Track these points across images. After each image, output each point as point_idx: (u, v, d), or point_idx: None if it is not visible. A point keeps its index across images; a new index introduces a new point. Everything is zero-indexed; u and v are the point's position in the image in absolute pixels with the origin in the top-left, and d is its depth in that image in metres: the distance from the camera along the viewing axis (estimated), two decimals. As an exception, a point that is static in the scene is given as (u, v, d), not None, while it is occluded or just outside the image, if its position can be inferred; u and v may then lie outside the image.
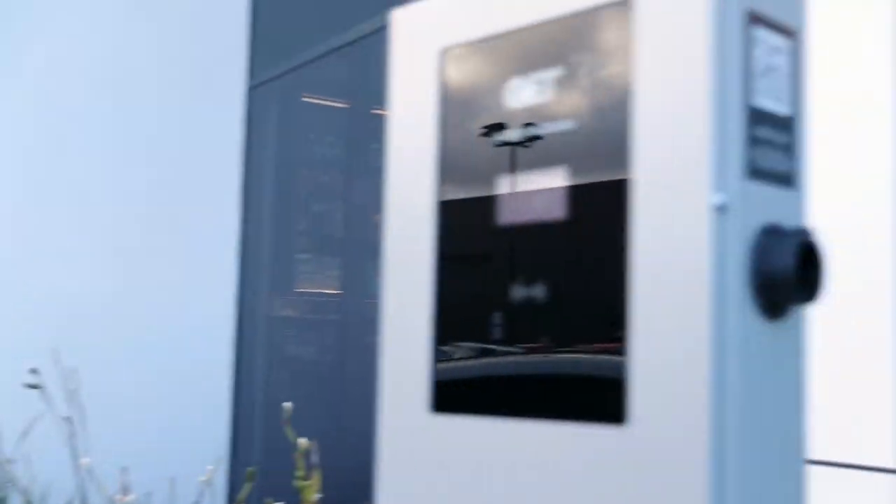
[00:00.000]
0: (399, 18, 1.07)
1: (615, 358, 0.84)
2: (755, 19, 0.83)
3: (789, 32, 0.87)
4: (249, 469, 2.31)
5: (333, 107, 4.49)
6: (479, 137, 0.97)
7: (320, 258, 4.48)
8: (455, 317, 1.00)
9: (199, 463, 4.46)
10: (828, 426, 1.83)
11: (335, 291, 4.19)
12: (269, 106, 4.73)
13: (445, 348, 0.99)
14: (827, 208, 1.86)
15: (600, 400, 0.85)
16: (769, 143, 0.85)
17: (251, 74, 4.84)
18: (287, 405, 2.55)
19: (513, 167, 0.94)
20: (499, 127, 0.95)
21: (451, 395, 0.99)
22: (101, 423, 4.15)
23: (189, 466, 4.40)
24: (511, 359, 0.95)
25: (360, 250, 3.89)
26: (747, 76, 0.82)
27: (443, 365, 0.99)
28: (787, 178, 0.87)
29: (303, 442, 2.36)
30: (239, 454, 4.66)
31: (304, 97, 4.64)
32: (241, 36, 4.89)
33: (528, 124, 0.93)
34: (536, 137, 0.92)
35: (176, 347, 4.58)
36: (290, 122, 4.67)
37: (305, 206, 4.62)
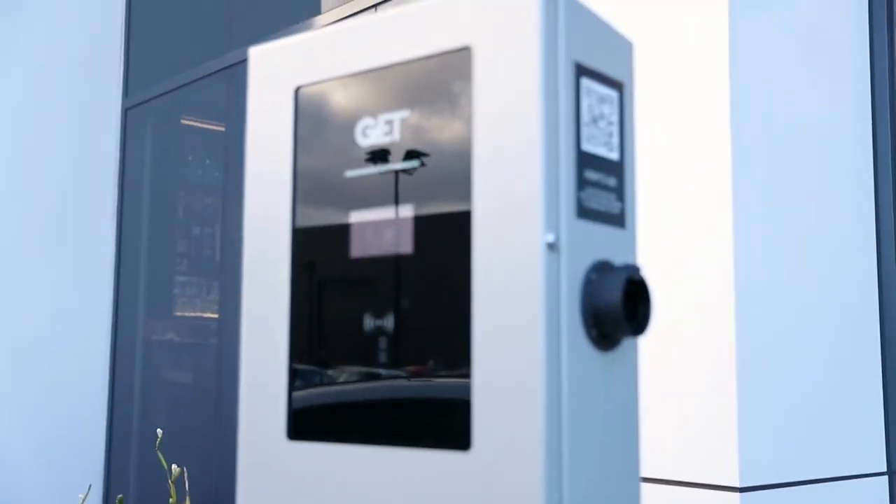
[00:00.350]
0: (256, 55, 1.10)
1: (461, 388, 0.88)
2: (583, 71, 0.89)
3: (616, 84, 0.94)
4: (119, 497, 2.28)
5: (211, 129, 4.46)
6: (333, 173, 1.01)
7: (198, 281, 4.43)
8: (312, 344, 1.03)
9: (71, 490, 4.36)
10: (671, 446, 1.92)
11: (213, 315, 4.15)
12: (145, 127, 4.67)
13: (303, 376, 1.02)
14: (676, 244, 1.96)
15: (448, 427, 0.89)
16: (599, 185, 0.91)
17: (126, 95, 4.77)
18: (159, 431, 2.52)
19: (365, 203, 0.98)
20: (351, 163, 0.99)
21: (307, 423, 1.01)
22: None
23: (61, 494, 4.29)
24: (367, 385, 0.99)
25: (238, 273, 3.87)
26: (577, 123, 0.88)
27: (299, 392, 1.02)
28: (616, 219, 0.93)
29: (175, 468, 2.34)
30: (114, 481, 4.56)
31: (182, 119, 4.60)
32: (115, 57, 4.82)
33: (378, 162, 0.97)
34: (386, 174, 0.97)
35: (49, 371, 4.47)
36: (167, 144, 4.62)
37: (183, 229, 4.56)
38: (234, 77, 3.99)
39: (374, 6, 3.38)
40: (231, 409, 3.80)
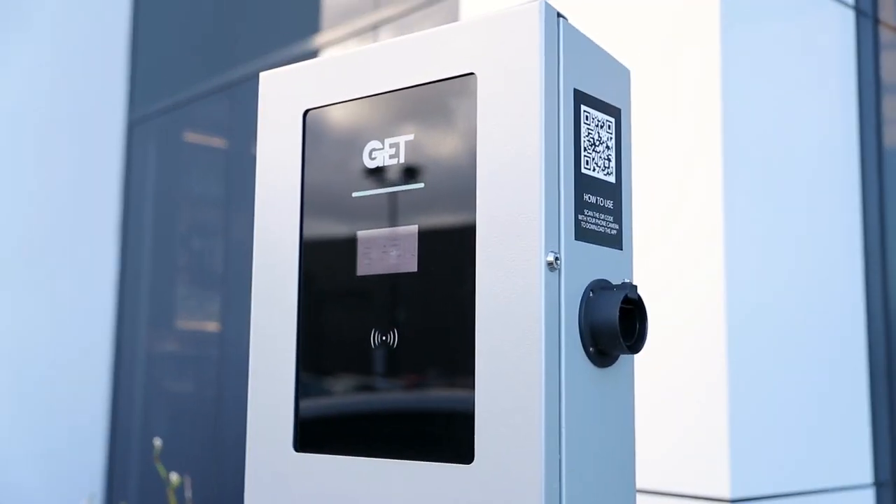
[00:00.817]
0: (266, 80, 1.13)
1: (464, 402, 0.91)
2: (582, 98, 0.93)
3: (614, 110, 0.97)
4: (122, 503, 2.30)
5: (213, 144, 4.49)
6: (340, 193, 1.04)
7: (200, 293, 4.46)
8: (319, 358, 1.06)
9: (72, 498, 4.37)
10: (663, 458, 1.96)
11: (215, 326, 4.17)
12: (149, 141, 4.70)
13: (310, 389, 1.05)
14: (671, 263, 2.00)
15: (451, 441, 0.93)
16: (597, 207, 0.94)
17: (131, 110, 4.80)
18: (157, 441, 2.54)
19: (371, 222, 1.02)
20: (358, 184, 1.03)
21: (314, 435, 1.04)
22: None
23: (62, 501, 4.30)
24: (372, 398, 1.02)
25: (240, 287, 3.90)
26: (576, 148, 0.92)
27: (306, 405, 1.05)
28: (613, 240, 0.97)
29: (174, 477, 2.36)
30: (114, 490, 4.57)
31: (185, 134, 4.63)
32: (120, 72, 4.85)
33: (384, 184, 1.00)
34: (390, 196, 1.00)
35: (50, 381, 4.49)
36: (170, 159, 4.65)
37: (186, 242, 4.58)
38: (237, 94, 4.02)
39: (374, 27, 3.41)
40: (232, 420, 3.81)
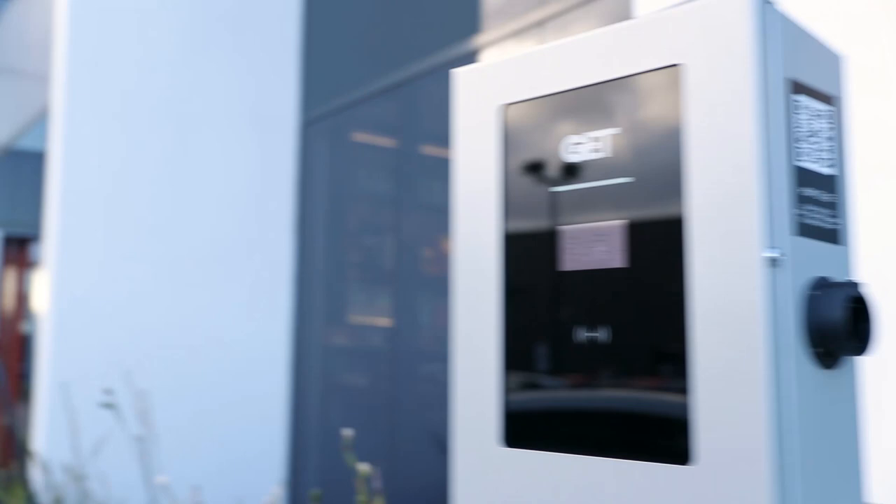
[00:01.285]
0: (460, 76, 1.14)
1: (679, 400, 0.89)
2: (797, 87, 0.89)
3: (829, 99, 0.93)
4: (315, 491, 2.37)
5: (383, 144, 4.58)
6: (540, 188, 1.04)
7: (372, 289, 4.56)
8: (524, 354, 1.05)
9: (261, 485, 4.56)
10: (889, 469, 1.85)
11: (387, 321, 4.26)
12: (322, 142, 4.83)
13: (516, 385, 1.05)
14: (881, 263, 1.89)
15: (669, 441, 0.90)
16: (815, 201, 0.90)
17: (304, 111, 4.95)
18: (347, 432, 2.61)
19: (574, 217, 1.00)
20: (558, 179, 1.02)
21: (521, 430, 1.04)
22: (169, 443, 4.27)
23: (251, 488, 4.49)
24: (582, 395, 1.01)
25: (411, 282, 3.96)
26: (791, 139, 0.88)
27: (513, 400, 1.05)
28: (833, 235, 0.93)
29: (363, 468, 2.42)
30: (298, 478, 4.74)
31: (356, 134, 4.73)
32: (293, 74, 5.01)
33: (586, 178, 0.99)
34: (594, 190, 0.99)
35: (236, 375, 4.69)
36: (342, 159, 4.76)
37: (357, 240, 4.69)
38: (402, 94, 4.08)
39: (539, 23, 3.39)
40: (406, 413, 3.88)
